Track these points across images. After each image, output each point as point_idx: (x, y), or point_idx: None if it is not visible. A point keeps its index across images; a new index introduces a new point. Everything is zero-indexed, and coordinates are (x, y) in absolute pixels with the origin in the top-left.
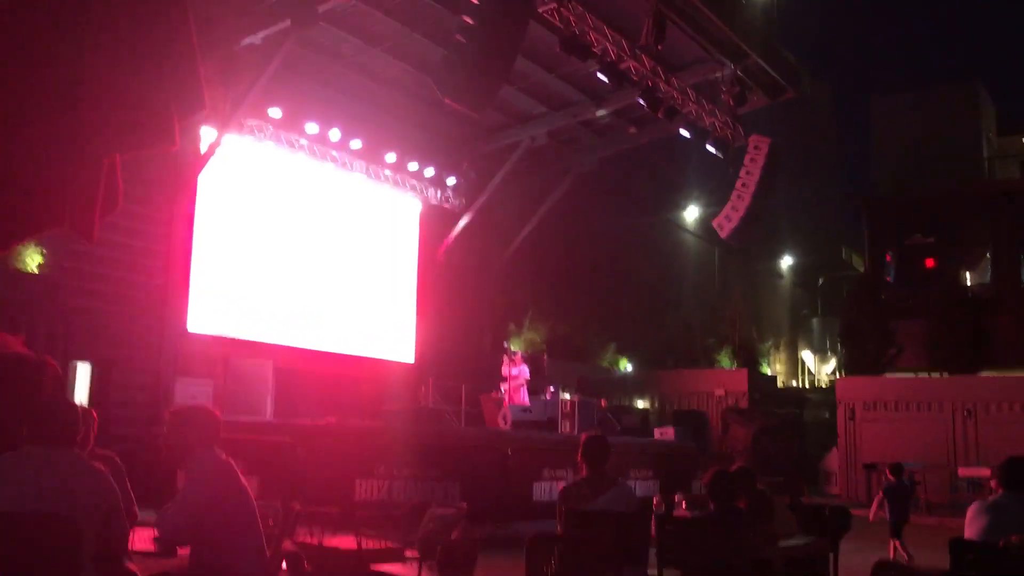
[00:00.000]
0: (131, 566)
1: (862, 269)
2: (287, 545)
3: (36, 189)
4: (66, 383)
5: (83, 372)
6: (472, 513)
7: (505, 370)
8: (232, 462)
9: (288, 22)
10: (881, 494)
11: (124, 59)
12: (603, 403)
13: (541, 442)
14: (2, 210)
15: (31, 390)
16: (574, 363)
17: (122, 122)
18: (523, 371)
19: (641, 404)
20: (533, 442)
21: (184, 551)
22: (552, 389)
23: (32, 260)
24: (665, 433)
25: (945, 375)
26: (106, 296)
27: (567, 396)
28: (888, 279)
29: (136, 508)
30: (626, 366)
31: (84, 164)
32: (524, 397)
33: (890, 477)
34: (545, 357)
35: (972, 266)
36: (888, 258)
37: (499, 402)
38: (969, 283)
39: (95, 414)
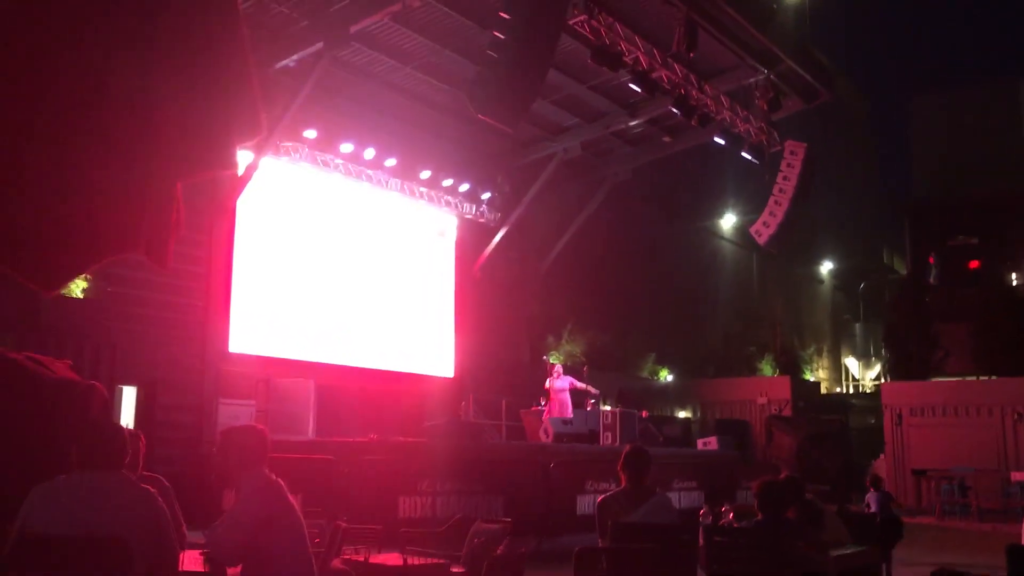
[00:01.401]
0: None
1: (904, 272)
2: (335, 563)
3: (113, 213)
4: (113, 407)
5: (128, 395)
6: (516, 527)
7: (548, 382)
8: (281, 482)
9: (320, 44)
10: None
11: (189, 83)
12: (644, 414)
13: (583, 454)
14: (83, 234)
15: (80, 415)
16: (614, 374)
17: (188, 146)
18: (567, 381)
19: (682, 414)
20: (575, 455)
21: (234, 571)
22: (593, 401)
23: (77, 286)
24: (708, 443)
25: (993, 378)
26: (149, 320)
27: (607, 408)
28: (931, 281)
29: (185, 529)
30: (666, 376)
31: (157, 189)
32: (568, 409)
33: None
34: (585, 369)
35: (1017, 266)
36: (931, 260)
37: (540, 415)
38: (1015, 283)
39: (142, 437)
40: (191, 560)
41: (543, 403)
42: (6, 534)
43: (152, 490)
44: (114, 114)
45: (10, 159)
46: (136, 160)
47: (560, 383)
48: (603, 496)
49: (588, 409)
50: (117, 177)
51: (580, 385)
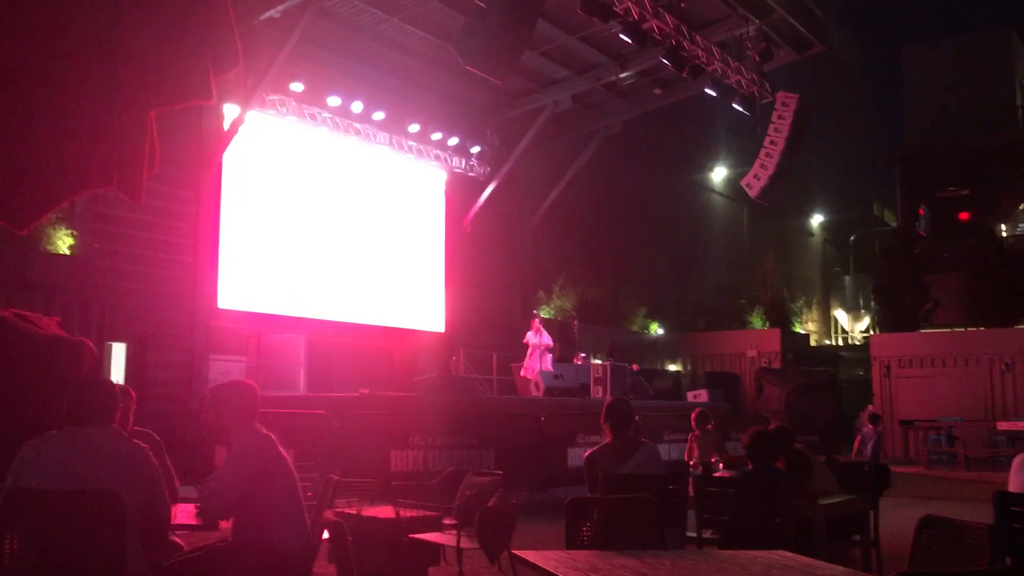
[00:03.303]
0: (175, 539)
1: (894, 224)
2: (328, 515)
3: (83, 146)
4: (102, 363)
5: (118, 352)
6: (507, 480)
7: (527, 337)
8: (272, 436)
9: None
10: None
11: (162, 14)
12: (635, 367)
13: (574, 408)
14: (52, 168)
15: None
16: (605, 328)
17: (161, 76)
18: (544, 338)
19: (673, 367)
20: (566, 408)
21: (227, 524)
22: (583, 355)
23: (63, 242)
24: (698, 396)
25: (981, 329)
26: (137, 276)
27: (598, 361)
28: (921, 233)
29: (177, 483)
30: (657, 330)
31: (128, 119)
32: (548, 363)
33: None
34: (575, 323)
35: (1007, 218)
36: (921, 212)
37: (527, 370)
38: (1005, 235)
39: (133, 392)
40: (184, 513)
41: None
42: None
43: (143, 445)
44: (81, 44)
45: None
46: (105, 90)
47: (536, 339)
48: (590, 450)
49: (579, 363)
50: (86, 108)
51: (549, 343)
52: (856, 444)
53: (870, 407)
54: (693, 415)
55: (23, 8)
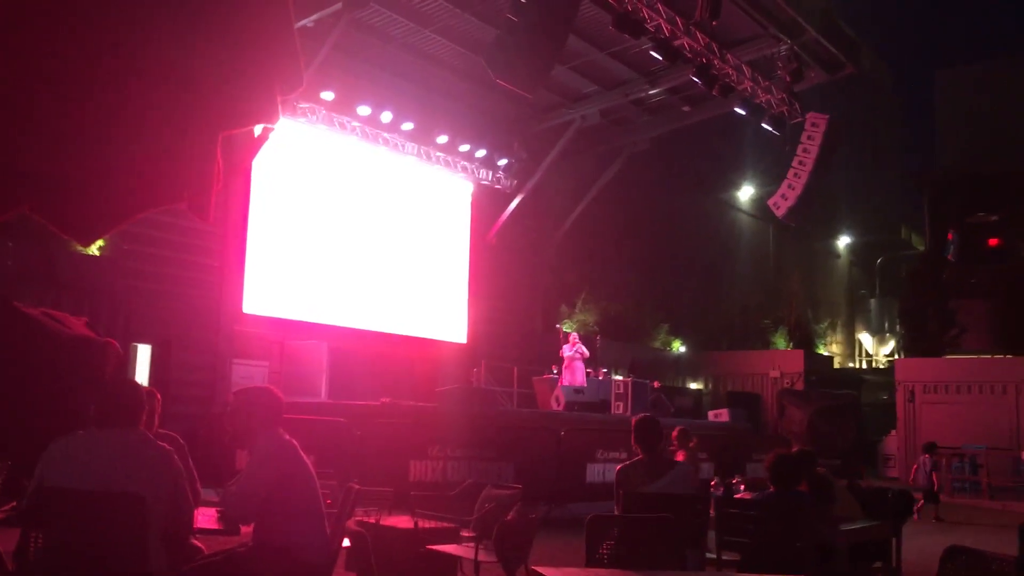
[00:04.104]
0: (196, 543)
1: (922, 248)
2: (350, 524)
3: (155, 164)
4: (127, 364)
5: (143, 353)
6: (526, 494)
7: (563, 350)
8: (295, 442)
9: (340, 4)
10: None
11: (232, 34)
12: (656, 384)
13: (594, 423)
14: (122, 184)
15: (95, 371)
16: (627, 344)
17: (232, 99)
18: (580, 349)
19: (694, 385)
20: (586, 423)
21: (248, 529)
22: (604, 370)
23: (93, 244)
24: (720, 415)
25: (1008, 356)
26: (164, 278)
27: (619, 377)
28: (949, 258)
29: (199, 486)
30: (679, 347)
31: (199, 140)
32: (582, 377)
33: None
34: (598, 338)
35: None
36: (950, 237)
37: (552, 383)
38: None
39: (158, 395)
40: (206, 517)
41: (556, 370)
42: (24, 488)
43: (168, 448)
44: (155, 64)
45: (49, 111)
46: (178, 110)
47: (571, 350)
48: (621, 465)
49: (600, 378)
50: (159, 127)
51: (585, 353)
52: (913, 472)
53: (892, 431)
54: (674, 432)
55: (101, 27)
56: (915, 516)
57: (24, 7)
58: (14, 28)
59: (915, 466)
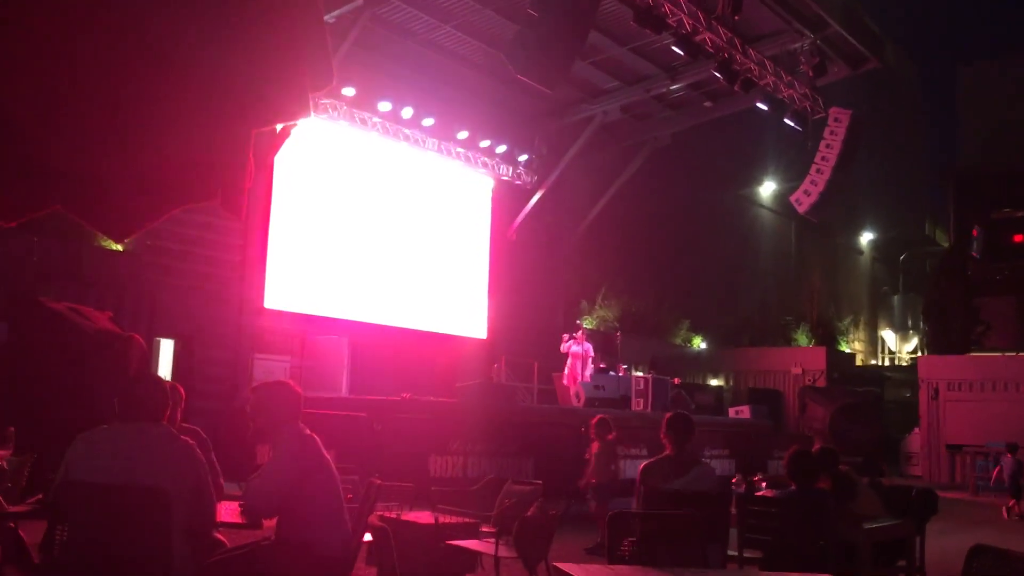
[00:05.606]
0: (219, 536)
1: (946, 244)
2: (371, 519)
3: (188, 161)
4: (150, 358)
5: (166, 348)
6: (546, 490)
7: (564, 347)
8: (315, 436)
9: (361, 0)
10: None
11: (262, 32)
12: (676, 381)
13: (614, 420)
14: (156, 181)
15: (120, 365)
16: (647, 340)
17: (264, 96)
18: (586, 348)
19: (715, 382)
20: None
21: (270, 523)
22: (624, 366)
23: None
24: (741, 412)
25: None
26: (187, 274)
27: (639, 373)
28: (974, 254)
29: (222, 480)
30: (700, 344)
31: (232, 137)
32: (588, 374)
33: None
34: (618, 334)
35: None
36: (975, 233)
37: (568, 378)
38: None
39: (182, 389)
40: (228, 511)
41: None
42: (50, 481)
43: (191, 442)
44: (189, 62)
45: (82, 110)
46: (211, 108)
47: (578, 348)
48: (646, 462)
49: (620, 374)
50: (192, 125)
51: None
52: (995, 473)
53: (915, 429)
54: (592, 421)
55: (133, 27)
56: (1004, 515)
57: (57, 8)
58: (47, 29)
59: (997, 468)
